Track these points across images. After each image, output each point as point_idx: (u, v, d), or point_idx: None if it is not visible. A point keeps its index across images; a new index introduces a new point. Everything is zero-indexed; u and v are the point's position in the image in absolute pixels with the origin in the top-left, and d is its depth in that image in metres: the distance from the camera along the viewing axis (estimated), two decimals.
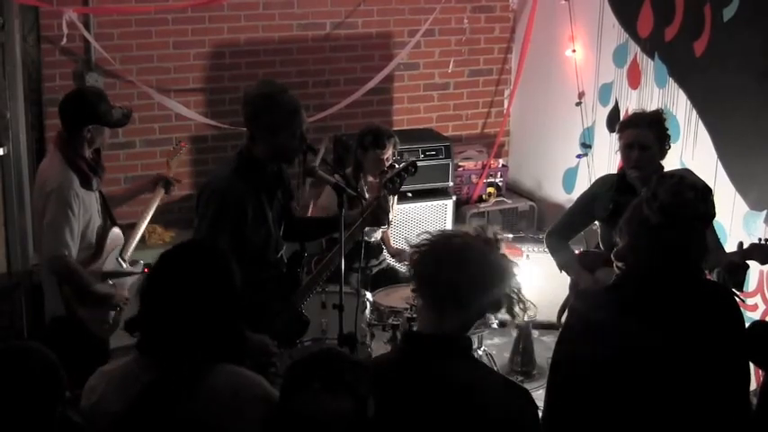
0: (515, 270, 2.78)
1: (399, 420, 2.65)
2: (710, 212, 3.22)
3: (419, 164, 6.61)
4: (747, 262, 4.22)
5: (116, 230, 4.86)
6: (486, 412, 2.69)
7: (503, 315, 2.84)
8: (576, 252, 5.18)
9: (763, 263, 4.25)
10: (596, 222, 5.09)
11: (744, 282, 4.27)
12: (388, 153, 5.64)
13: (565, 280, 5.21)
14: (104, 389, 2.86)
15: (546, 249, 5.36)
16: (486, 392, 2.74)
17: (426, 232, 2.81)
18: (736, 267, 4.18)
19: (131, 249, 5.00)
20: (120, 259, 4.89)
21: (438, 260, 2.74)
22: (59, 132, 4.69)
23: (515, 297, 2.78)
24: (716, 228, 4.77)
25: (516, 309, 2.79)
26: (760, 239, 4.25)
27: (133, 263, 5.00)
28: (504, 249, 2.79)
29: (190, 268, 2.87)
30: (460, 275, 2.70)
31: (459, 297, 2.72)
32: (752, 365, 3.33)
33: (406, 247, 6.36)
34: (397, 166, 4.83)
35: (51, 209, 4.50)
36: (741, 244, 4.30)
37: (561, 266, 5.07)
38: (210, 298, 2.83)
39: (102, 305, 4.73)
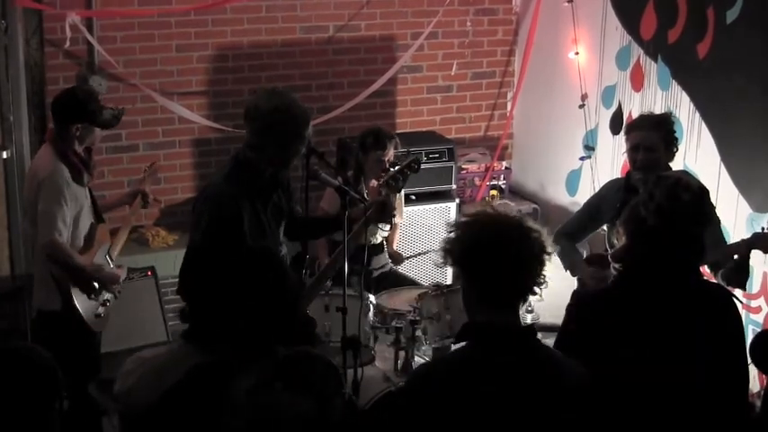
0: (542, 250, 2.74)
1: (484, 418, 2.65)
2: (707, 214, 3.23)
3: (422, 166, 6.66)
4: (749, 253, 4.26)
5: (103, 227, 4.94)
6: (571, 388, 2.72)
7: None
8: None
9: (766, 251, 4.28)
10: (604, 228, 5.10)
11: (747, 276, 4.30)
12: (389, 154, 5.64)
13: (569, 283, 5.20)
14: (142, 374, 2.84)
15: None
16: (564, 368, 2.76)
17: (462, 220, 2.78)
18: (739, 260, 4.22)
19: (118, 250, 5.06)
20: (107, 257, 4.94)
21: (479, 239, 2.70)
22: (51, 127, 4.83)
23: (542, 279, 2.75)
24: (720, 228, 4.78)
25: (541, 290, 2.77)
26: (763, 228, 4.27)
27: (118, 266, 5.03)
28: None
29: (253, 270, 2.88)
30: (504, 258, 2.66)
31: (504, 282, 2.69)
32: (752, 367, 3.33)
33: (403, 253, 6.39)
34: (399, 163, 4.81)
35: (43, 197, 4.59)
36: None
37: (568, 267, 5.08)
38: (268, 291, 2.85)
39: (98, 286, 4.79)
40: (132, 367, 2.88)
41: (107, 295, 4.85)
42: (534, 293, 2.76)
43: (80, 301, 4.72)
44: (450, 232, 2.76)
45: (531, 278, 2.72)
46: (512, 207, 2.80)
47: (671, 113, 5.01)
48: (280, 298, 2.90)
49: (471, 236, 2.72)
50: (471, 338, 2.75)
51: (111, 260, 4.98)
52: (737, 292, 4.09)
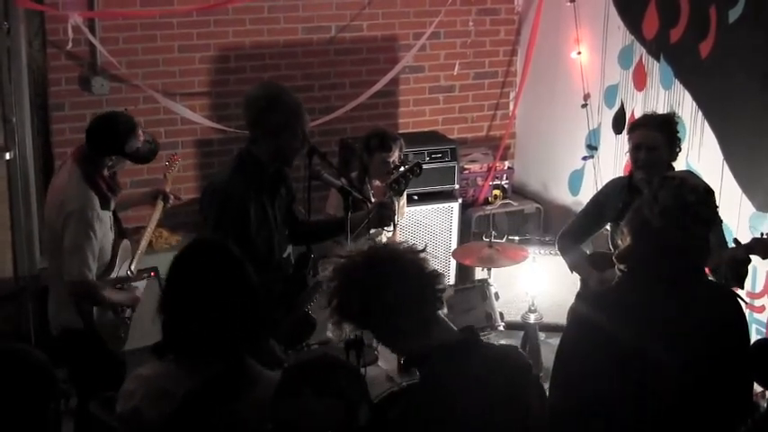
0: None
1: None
2: (712, 215, 3.23)
3: (425, 166, 6.65)
4: (750, 256, 4.25)
5: (125, 243, 4.87)
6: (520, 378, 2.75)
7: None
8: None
9: (764, 257, 4.27)
10: (607, 227, 5.09)
11: (745, 276, 4.29)
12: (394, 156, 5.64)
13: (572, 282, 5.20)
14: (143, 394, 2.86)
15: (555, 251, 5.37)
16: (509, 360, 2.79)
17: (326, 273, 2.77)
18: (737, 263, 4.20)
19: (136, 261, 4.98)
20: (129, 272, 4.90)
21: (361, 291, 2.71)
22: (81, 148, 4.65)
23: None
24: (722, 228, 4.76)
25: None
26: (762, 234, 4.26)
27: (140, 272, 4.99)
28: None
29: (205, 266, 2.91)
30: (396, 286, 2.69)
31: (408, 306, 2.70)
32: None
33: None
34: (402, 167, 4.83)
35: (72, 231, 4.48)
36: (736, 241, 4.32)
37: (572, 267, 5.08)
38: (229, 294, 2.86)
39: (120, 310, 4.76)
40: (133, 387, 2.90)
41: (128, 312, 4.82)
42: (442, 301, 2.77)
43: (102, 322, 4.68)
44: (332, 300, 2.74)
45: (430, 290, 2.73)
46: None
47: (675, 113, 5.01)
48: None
49: (359, 284, 2.72)
50: (422, 367, 2.76)
51: (133, 273, 4.91)
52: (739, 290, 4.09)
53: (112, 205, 4.70)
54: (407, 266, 2.72)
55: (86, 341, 4.67)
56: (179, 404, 2.75)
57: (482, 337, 5.67)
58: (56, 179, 4.83)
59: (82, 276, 4.50)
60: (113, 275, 4.75)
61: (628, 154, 4.85)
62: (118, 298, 4.74)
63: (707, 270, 4.42)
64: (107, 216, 4.67)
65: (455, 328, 2.79)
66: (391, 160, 5.60)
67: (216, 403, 2.76)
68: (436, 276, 2.75)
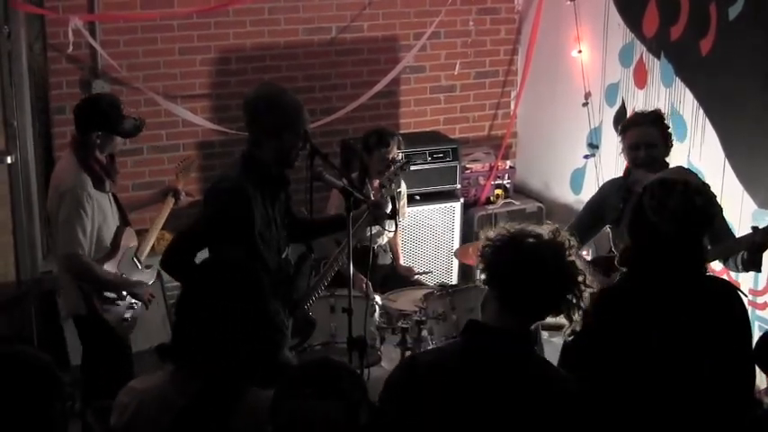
0: (581, 277, 2.75)
1: (465, 410, 2.66)
2: (716, 214, 3.25)
3: (427, 166, 6.68)
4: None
5: (129, 230, 4.95)
6: (552, 402, 2.68)
7: (560, 319, 2.80)
8: (585, 254, 5.17)
9: None
10: (607, 227, 5.08)
11: (761, 261, 4.28)
12: (393, 152, 5.66)
13: None
14: (137, 408, 2.86)
15: None
16: (551, 383, 2.74)
17: (503, 227, 2.80)
18: (756, 247, 4.20)
19: (146, 252, 5.09)
20: (135, 260, 4.97)
21: (510, 258, 2.72)
22: (74, 135, 4.84)
23: (576, 304, 2.75)
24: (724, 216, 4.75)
25: (575, 315, 2.76)
26: None
27: (147, 267, 5.08)
28: (575, 256, 2.77)
29: (227, 285, 2.90)
30: (529, 277, 2.69)
31: (525, 297, 2.71)
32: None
33: (414, 267, 6.38)
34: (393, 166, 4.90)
35: (65, 209, 4.61)
36: (754, 227, 4.32)
37: None
38: (246, 317, 2.87)
39: (123, 293, 4.82)
40: (127, 400, 2.90)
41: (132, 300, 4.87)
42: (557, 313, 2.77)
43: (102, 309, 4.75)
44: (490, 246, 2.78)
45: (555, 297, 2.74)
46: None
47: (660, 110, 5.04)
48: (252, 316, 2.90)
49: (511, 252, 2.74)
50: (468, 333, 2.78)
51: (140, 262, 5.01)
52: (744, 286, 4.08)
53: (108, 187, 4.79)
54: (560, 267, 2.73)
55: (93, 326, 4.78)
56: (173, 420, 2.76)
57: None
58: (55, 168, 5.01)
59: (72, 249, 4.61)
60: (115, 261, 4.83)
61: (622, 154, 4.85)
62: (118, 280, 4.81)
63: (708, 264, 4.44)
64: (105, 199, 4.78)
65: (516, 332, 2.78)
66: (390, 157, 5.61)
67: (209, 418, 2.76)
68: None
